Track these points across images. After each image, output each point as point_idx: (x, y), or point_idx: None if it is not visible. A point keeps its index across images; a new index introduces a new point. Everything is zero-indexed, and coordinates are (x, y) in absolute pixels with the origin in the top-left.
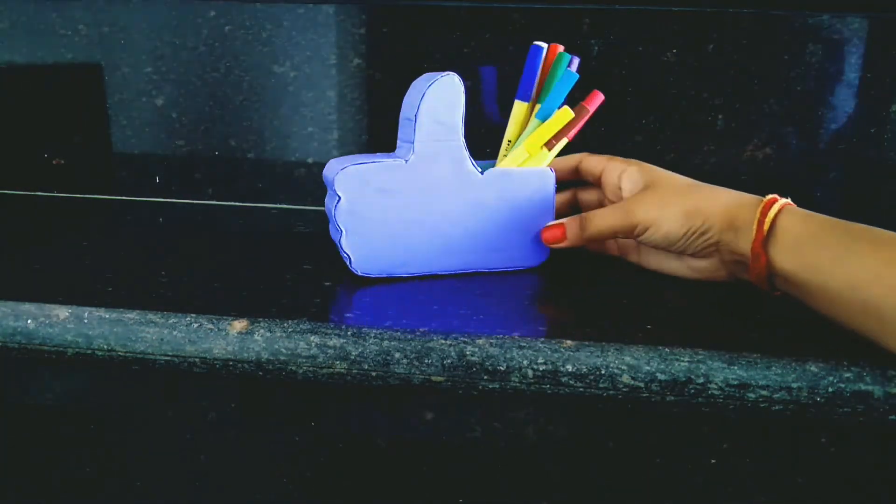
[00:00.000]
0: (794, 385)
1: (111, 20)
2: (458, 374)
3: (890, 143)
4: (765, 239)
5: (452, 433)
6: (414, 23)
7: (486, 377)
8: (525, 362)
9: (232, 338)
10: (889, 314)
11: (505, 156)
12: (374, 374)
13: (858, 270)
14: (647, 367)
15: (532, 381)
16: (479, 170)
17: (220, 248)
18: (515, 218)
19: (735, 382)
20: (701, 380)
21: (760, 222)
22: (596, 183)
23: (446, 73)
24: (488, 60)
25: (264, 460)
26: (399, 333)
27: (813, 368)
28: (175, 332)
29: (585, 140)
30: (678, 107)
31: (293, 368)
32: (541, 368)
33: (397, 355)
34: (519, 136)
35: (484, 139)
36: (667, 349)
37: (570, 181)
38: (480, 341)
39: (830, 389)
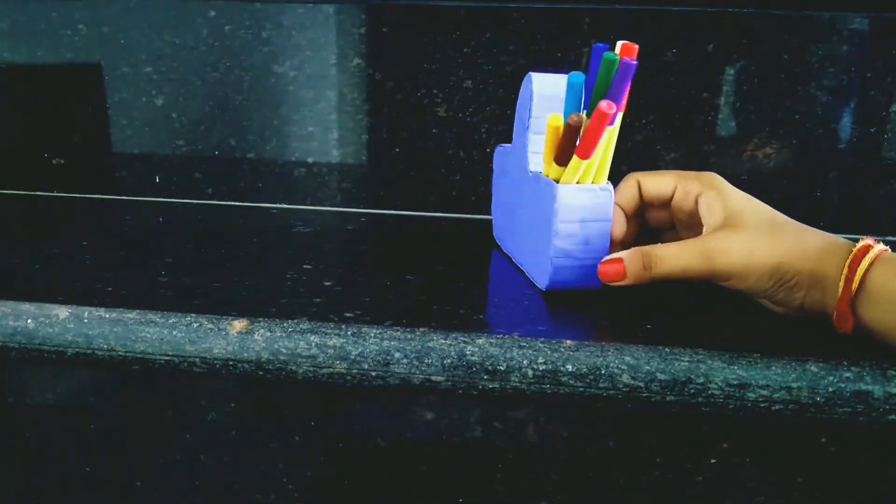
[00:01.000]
0: (794, 385)
1: (111, 20)
2: (458, 373)
3: (890, 143)
4: (853, 297)
5: (452, 433)
6: (414, 23)
7: (486, 377)
8: (525, 362)
9: (232, 338)
10: None
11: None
12: (374, 374)
13: None
14: (647, 367)
15: (532, 380)
16: (531, 172)
17: (219, 248)
18: (545, 228)
19: (735, 382)
20: (701, 380)
21: (848, 279)
22: (665, 205)
23: (559, 74)
24: (488, 60)
25: (264, 460)
26: (399, 333)
27: (813, 368)
28: (175, 332)
29: None
30: (678, 107)
31: (293, 368)
32: (541, 368)
33: (397, 355)
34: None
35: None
36: (667, 349)
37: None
38: (480, 341)
39: (830, 389)
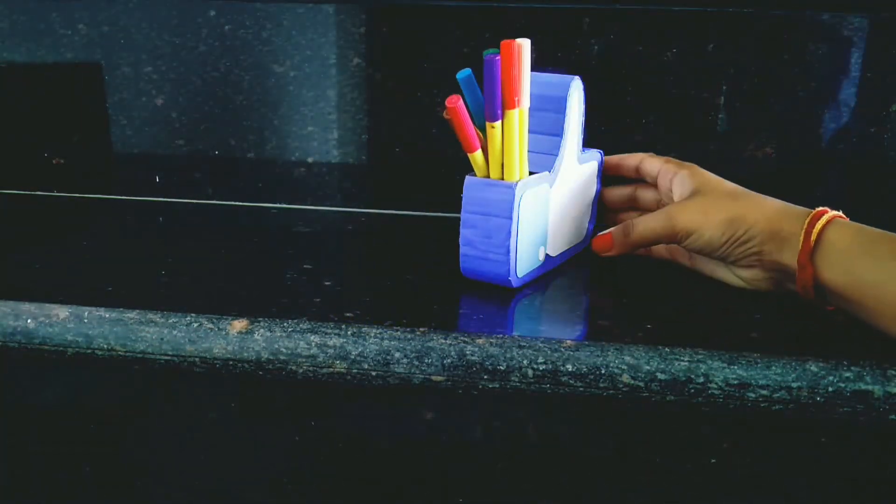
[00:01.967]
0: (794, 385)
1: (111, 20)
2: (458, 373)
3: (890, 143)
4: (811, 251)
5: (452, 433)
6: (414, 23)
7: (486, 377)
8: (525, 362)
9: (232, 337)
10: None
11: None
12: (374, 373)
13: None
14: (647, 367)
15: (532, 380)
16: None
17: (219, 248)
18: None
19: (735, 382)
20: (701, 379)
21: (808, 233)
22: (654, 184)
23: (557, 73)
24: None
25: (264, 460)
26: (399, 333)
27: (813, 368)
28: (175, 332)
29: (586, 140)
30: (678, 107)
31: (293, 368)
32: (541, 368)
33: (397, 355)
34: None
35: None
36: (667, 349)
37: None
38: (480, 341)
39: (830, 389)
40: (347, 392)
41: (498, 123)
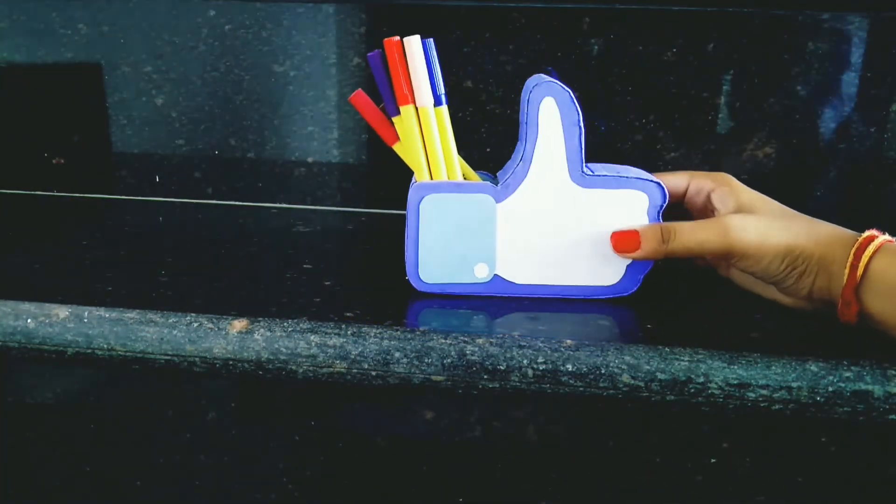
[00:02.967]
0: (794, 385)
1: (111, 19)
2: (458, 373)
3: (890, 143)
4: (857, 285)
5: (452, 433)
6: (414, 23)
7: (486, 377)
8: (525, 362)
9: (232, 337)
10: None
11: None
12: (374, 373)
13: None
14: (647, 367)
15: (532, 380)
16: None
17: (219, 248)
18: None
19: (735, 382)
20: (701, 379)
21: (853, 266)
22: (678, 202)
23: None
24: (488, 60)
25: (264, 460)
26: (399, 333)
27: (813, 368)
28: (175, 332)
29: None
30: (678, 107)
31: (293, 368)
32: (541, 368)
33: (397, 355)
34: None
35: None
36: (667, 349)
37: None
38: (480, 341)
39: (830, 389)
40: (347, 392)
41: (398, 119)
